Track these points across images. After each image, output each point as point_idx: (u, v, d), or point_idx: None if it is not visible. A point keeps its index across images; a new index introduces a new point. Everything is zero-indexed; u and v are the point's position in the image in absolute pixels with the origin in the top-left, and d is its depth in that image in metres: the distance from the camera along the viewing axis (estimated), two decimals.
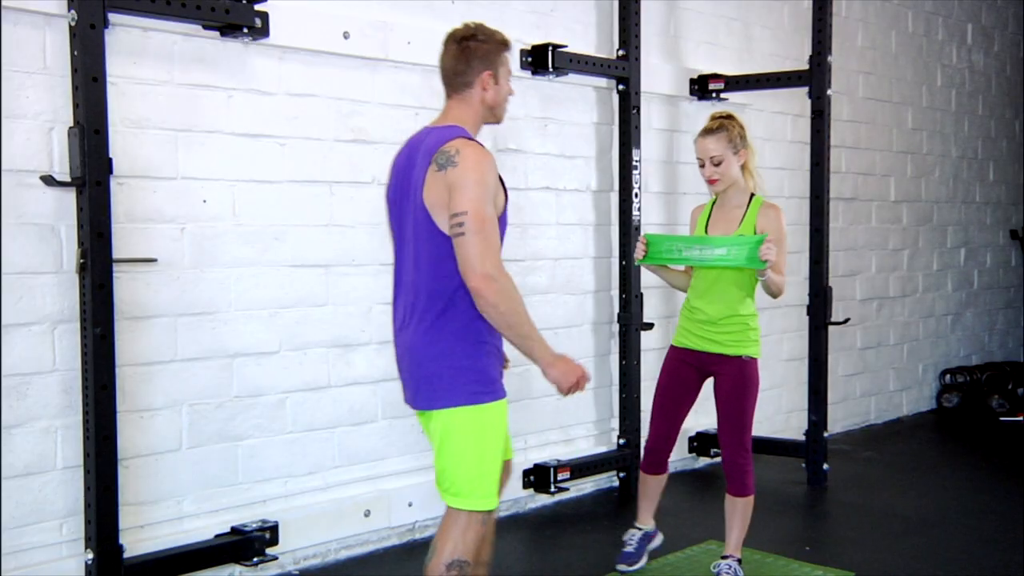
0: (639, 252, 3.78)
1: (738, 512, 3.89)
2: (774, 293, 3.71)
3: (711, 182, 3.81)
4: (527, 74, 4.90)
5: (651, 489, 4.09)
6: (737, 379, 3.79)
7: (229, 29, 3.79)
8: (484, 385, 2.78)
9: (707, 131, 3.80)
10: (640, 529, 4.11)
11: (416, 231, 2.78)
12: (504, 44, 2.92)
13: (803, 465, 5.56)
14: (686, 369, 3.91)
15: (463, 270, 2.66)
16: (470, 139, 2.79)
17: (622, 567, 4.04)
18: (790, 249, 6.28)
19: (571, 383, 2.79)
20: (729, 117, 3.83)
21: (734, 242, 3.61)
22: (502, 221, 2.81)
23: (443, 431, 2.79)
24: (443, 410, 2.77)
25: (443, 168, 2.70)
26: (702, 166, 3.82)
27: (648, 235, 3.81)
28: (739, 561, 3.91)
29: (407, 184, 2.82)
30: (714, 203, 3.92)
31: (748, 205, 3.81)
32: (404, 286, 2.85)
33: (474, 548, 2.84)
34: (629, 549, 4.08)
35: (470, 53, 2.86)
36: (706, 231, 3.87)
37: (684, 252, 3.72)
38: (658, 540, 4.19)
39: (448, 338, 2.75)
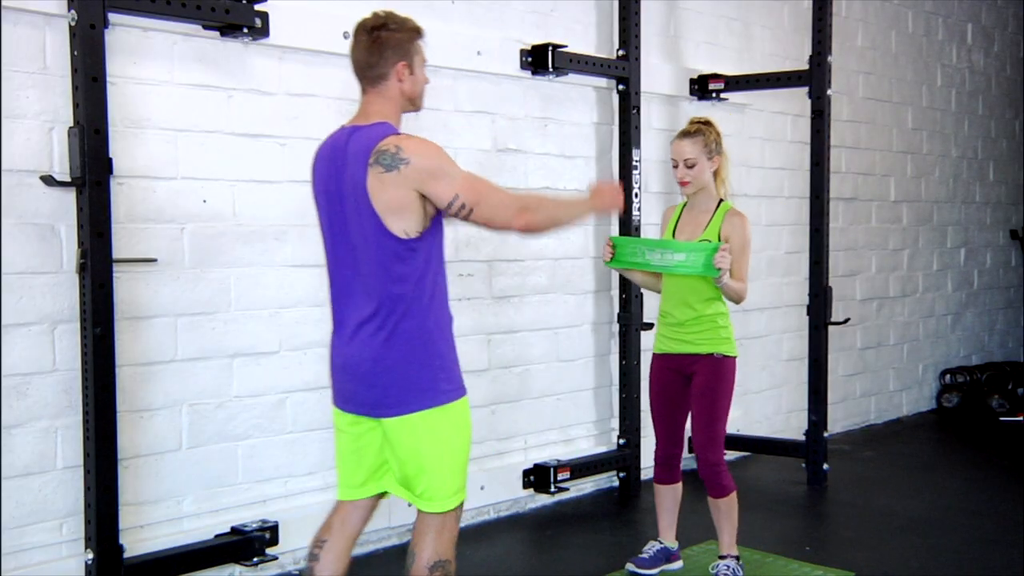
0: (606, 255, 3.79)
1: (722, 513, 3.88)
2: (733, 299, 3.72)
3: (682, 184, 3.83)
4: (527, 74, 4.90)
5: (667, 501, 4.05)
6: (709, 376, 3.80)
7: (229, 29, 3.79)
8: (451, 383, 2.75)
9: (684, 134, 3.83)
10: (661, 543, 4.07)
11: (365, 237, 2.67)
12: (417, 32, 2.81)
13: (803, 465, 5.56)
14: (668, 375, 3.91)
15: (500, 230, 2.82)
16: (401, 133, 2.71)
17: (631, 567, 4.02)
18: (790, 249, 6.32)
19: (618, 201, 2.99)
20: (707, 123, 3.86)
21: (692, 248, 3.63)
22: (439, 224, 2.74)
23: (413, 436, 2.71)
24: (411, 415, 2.69)
25: (393, 169, 2.60)
26: (675, 167, 3.84)
27: (614, 238, 3.81)
28: (737, 559, 3.91)
29: (340, 188, 2.71)
30: (684, 206, 3.94)
31: (715, 211, 3.83)
32: (354, 294, 2.73)
33: (453, 546, 2.81)
34: (644, 556, 4.03)
35: (382, 43, 2.74)
36: (674, 234, 3.88)
37: (647, 256, 3.75)
38: (677, 564, 4.10)
39: (412, 341, 2.68)
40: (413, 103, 2.85)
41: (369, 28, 2.76)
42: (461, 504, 2.83)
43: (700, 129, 3.81)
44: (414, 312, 2.68)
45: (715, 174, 3.85)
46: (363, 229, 2.67)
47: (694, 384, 3.85)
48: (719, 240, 3.73)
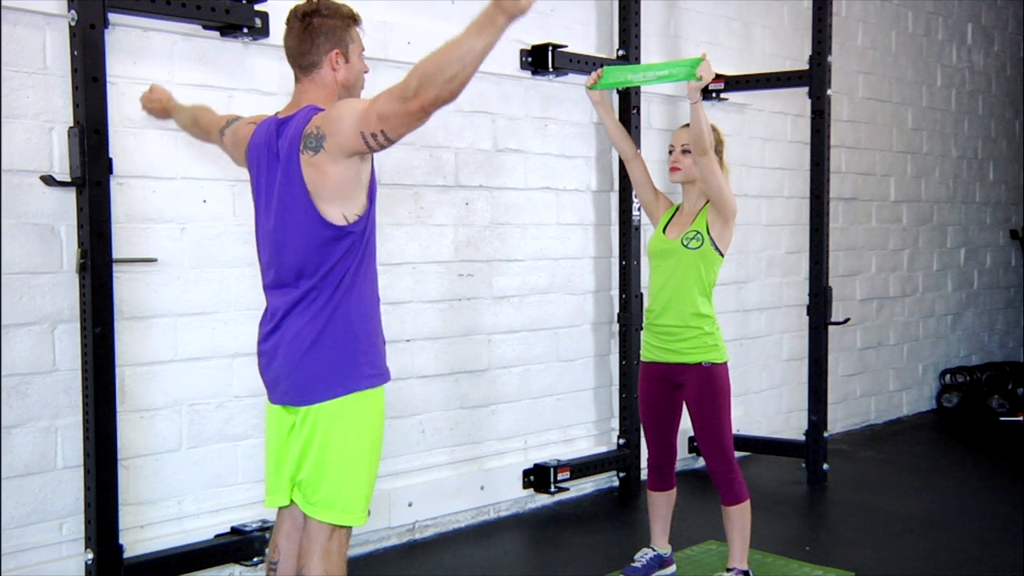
0: (591, 80, 3.82)
1: (734, 521, 3.81)
2: (698, 136, 3.57)
3: (672, 169, 3.82)
4: (527, 74, 4.91)
5: (660, 507, 4.00)
6: (703, 387, 3.75)
7: (229, 29, 3.79)
8: (375, 368, 2.66)
9: (687, 124, 3.81)
10: (654, 550, 4.03)
11: (297, 223, 2.59)
12: (352, 18, 2.69)
13: (803, 465, 5.56)
14: (657, 384, 3.87)
15: (417, 125, 2.45)
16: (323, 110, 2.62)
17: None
18: (790, 249, 6.33)
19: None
20: (712, 126, 3.85)
21: (675, 63, 3.72)
22: (371, 212, 2.65)
23: (328, 427, 2.61)
24: (330, 401, 2.60)
25: (320, 148, 2.51)
26: (670, 153, 3.84)
27: (605, 67, 3.85)
28: (746, 573, 3.83)
29: (272, 179, 2.64)
30: (678, 208, 3.93)
31: (701, 208, 3.81)
32: (281, 283, 2.67)
33: (344, 567, 2.66)
34: (637, 565, 3.98)
35: (314, 30, 2.64)
36: (664, 231, 3.87)
37: (630, 76, 3.95)
38: (671, 569, 4.06)
39: (332, 325, 2.60)
40: (350, 92, 2.75)
41: (301, 15, 2.68)
42: (351, 528, 2.70)
43: None
44: (341, 296, 2.60)
45: None
46: (299, 215, 2.59)
47: (688, 397, 3.81)
48: (707, 232, 3.73)
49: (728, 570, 3.84)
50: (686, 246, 3.76)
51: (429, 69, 2.33)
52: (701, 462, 5.82)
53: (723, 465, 3.77)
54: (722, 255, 3.78)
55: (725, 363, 3.81)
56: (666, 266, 3.82)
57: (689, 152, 3.75)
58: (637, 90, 5.17)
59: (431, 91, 2.33)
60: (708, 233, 3.75)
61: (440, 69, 2.32)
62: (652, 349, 3.88)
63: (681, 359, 3.78)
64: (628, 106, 5.17)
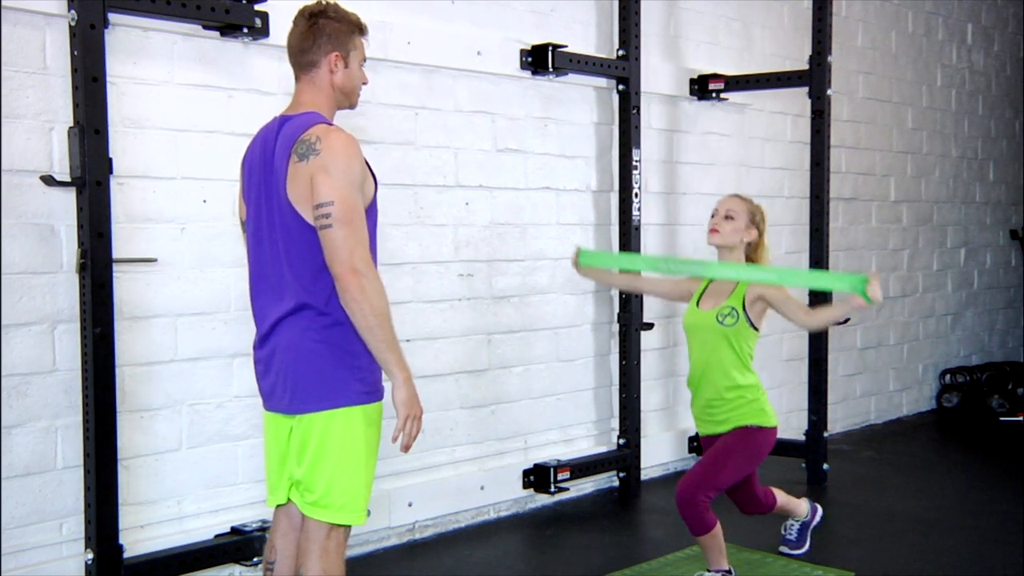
0: (573, 259, 3.90)
1: (710, 547, 3.73)
2: (810, 325, 3.92)
3: (712, 231, 3.80)
4: (527, 74, 4.90)
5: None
6: (739, 436, 3.71)
7: (229, 29, 3.79)
8: (369, 385, 2.66)
9: (737, 195, 3.90)
10: (797, 521, 4.30)
11: (284, 229, 2.61)
12: (358, 26, 2.74)
13: (803, 465, 5.57)
14: None
15: (330, 262, 2.53)
16: (331, 125, 2.65)
17: (784, 549, 4.27)
18: (790, 249, 6.33)
19: (415, 414, 2.64)
20: (758, 208, 3.87)
21: (834, 276, 3.77)
22: (372, 212, 2.68)
23: (322, 435, 2.61)
24: (323, 412, 2.61)
25: (304, 158, 2.54)
26: (712, 216, 3.84)
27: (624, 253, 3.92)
28: (728, 572, 3.77)
29: (266, 180, 2.65)
30: (710, 281, 3.85)
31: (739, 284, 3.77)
32: (273, 288, 2.67)
33: (342, 565, 2.67)
34: (790, 536, 4.27)
35: (318, 31, 2.68)
36: (698, 304, 3.82)
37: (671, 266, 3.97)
38: (818, 516, 4.37)
39: (330, 337, 2.60)
40: (347, 98, 2.77)
41: (308, 14, 2.71)
42: (350, 528, 2.71)
43: (751, 200, 3.86)
44: (335, 309, 2.60)
45: (748, 256, 3.83)
46: (285, 222, 2.60)
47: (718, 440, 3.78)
48: (743, 310, 3.68)
49: (708, 570, 3.79)
50: (720, 323, 3.71)
51: (376, 303, 2.54)
52: None
53: (701, 493, 3.64)
54: (757, 330, 3.75)
55: (772, 428, 3.76)
56: (700, 339, 3.78)
57: (731, 219, 3.76)
58: (636, 90, 5.17)
59: (359, 284, 2.51)
60: (744, 311, 3.70)
61: (374, 310, 2.53)
62: (701, 423, 3.88)
63: (728, 428, 3.76)
64: (628, 106, 5.17)
